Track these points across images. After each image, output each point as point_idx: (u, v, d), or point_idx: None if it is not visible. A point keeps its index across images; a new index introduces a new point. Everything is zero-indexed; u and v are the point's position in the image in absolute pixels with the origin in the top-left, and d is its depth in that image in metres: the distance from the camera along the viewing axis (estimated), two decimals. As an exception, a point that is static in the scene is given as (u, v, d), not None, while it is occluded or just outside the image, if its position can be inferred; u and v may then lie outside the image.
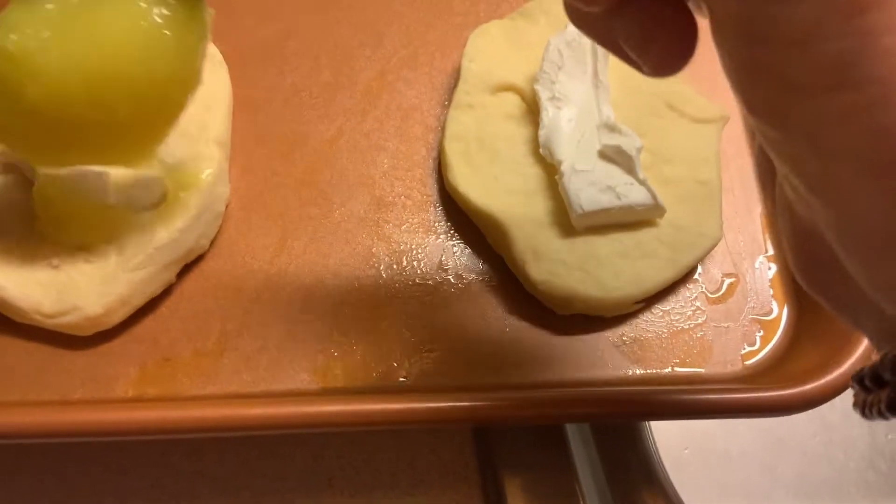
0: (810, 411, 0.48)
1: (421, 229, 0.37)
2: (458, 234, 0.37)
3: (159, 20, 0.29)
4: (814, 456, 0.50)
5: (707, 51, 0.42)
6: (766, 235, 0.38)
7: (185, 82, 0.31)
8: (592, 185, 0.35)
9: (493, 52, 0.40)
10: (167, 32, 0.29)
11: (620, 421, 0.36)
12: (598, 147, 0.36)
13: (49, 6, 0.29)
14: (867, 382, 0.19)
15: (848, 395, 0.48)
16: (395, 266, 0.37)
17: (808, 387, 0.31)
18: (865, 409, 0.19)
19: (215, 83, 0.38)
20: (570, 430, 0.35)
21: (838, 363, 0.32)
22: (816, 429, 0.51)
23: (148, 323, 0.35)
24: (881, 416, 0.19)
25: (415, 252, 0.37)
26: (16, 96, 0.29)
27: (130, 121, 0.32)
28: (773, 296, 0.37)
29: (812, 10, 0.14)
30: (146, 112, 0.32)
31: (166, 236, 0.33)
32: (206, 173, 0.35)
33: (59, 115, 0.30)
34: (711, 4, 0.16)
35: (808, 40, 0.15)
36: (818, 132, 0.16)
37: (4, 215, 0.34)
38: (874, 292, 0.17)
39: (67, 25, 0.28)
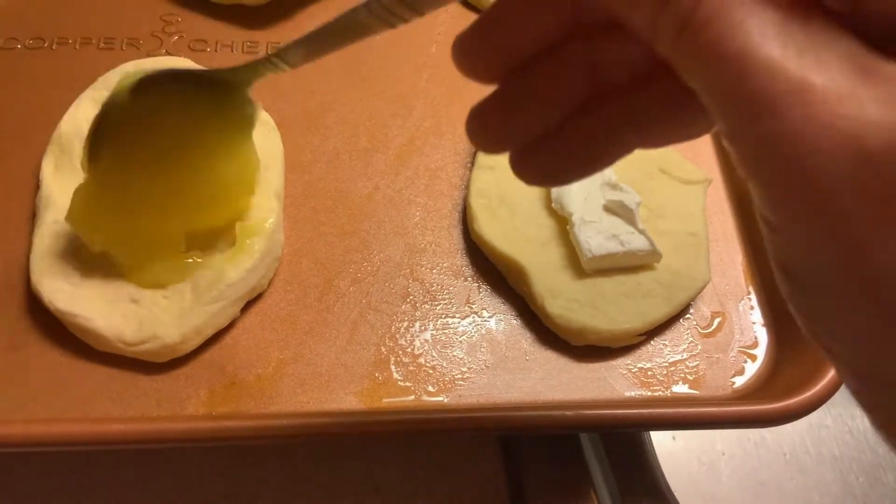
0: (788, 458, 0.53)
1: (450, 272, 0.43)
2: (483, 277, 0.43)
3: (221, 156, 0.36)
4: (791, 498, 0.55)
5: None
6: (748, 281, 0.44)
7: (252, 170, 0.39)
8: (599, 234, 0.41)
9: (509, 123, 0.46)
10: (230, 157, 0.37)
11: (629, 429, 0.40)
12: (602, 202, 0.42)
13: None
14: None
15: (821, 442, 0.53)
16: (428, 304, 0.42)
17: (790, 401, 0.37)
18: None
19: (271, 146, 0.44)
20: (587, 449, 0.40)
21: (814, 383, 0.38)
22: (793, 473, 0.56)
23: (215, 351, 0.39)
24: None
25: (445, 292, 0.42)
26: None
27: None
28: (755, 332, 0.42)
29: None
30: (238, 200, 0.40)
31: (236, 275, 0.38)
32: (269, 222, 0.40)
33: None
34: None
35: None
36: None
37: (92, 260, 0.39)
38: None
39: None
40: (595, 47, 0.22)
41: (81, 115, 0.44)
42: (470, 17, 0.53)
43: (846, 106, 0.15)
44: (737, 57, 0.16)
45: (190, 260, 0.39)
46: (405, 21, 0.22)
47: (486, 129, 0.23)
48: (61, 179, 0.41)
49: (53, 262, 0.39)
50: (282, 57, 0.28)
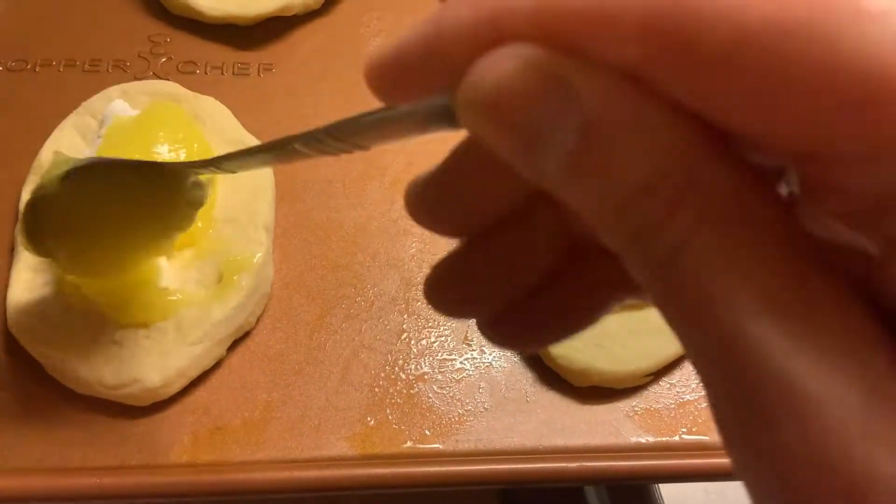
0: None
1: (447, 308, 0.41)
2: (482, 313, 0.41)
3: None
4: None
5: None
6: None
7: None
8: (604, 269, 0.39)
9: (509, 149, 0.44)
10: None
11: (636, 482, 0.38)
12: (607, 234, 0.40)
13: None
14: None
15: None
16: (424, 341, 0.40)
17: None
18: None
19: (260, 175, 0.42)
20: (590, 495, 0.38)
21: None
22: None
23: (200, 394, 0.37)
24: None
25: (442, 328, 0.40)
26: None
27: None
28: (767, 369, 0.40)
29: None
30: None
31: (222, 313, 0.37)
32: (257, 256, 0.38)
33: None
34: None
35: None
36: None
37: (72, 298, 0.37)
38: None
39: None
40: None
41: (64, 142, 0.42)
42: (469, 37, 0.51)
43: (853, 441, 0.11)
44: (724, 335, 0.12)
45: (174, 297, 0.37)
46: (345, 153, 0.19)
47: (445, 295, 0.20)
48: (41, 211, 0.40)
49: (32, 299, 0.37)
50: (217, 165, 0.26)
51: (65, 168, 0.30)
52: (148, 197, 0.31)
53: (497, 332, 0.20)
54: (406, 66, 0.15)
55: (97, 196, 0.31)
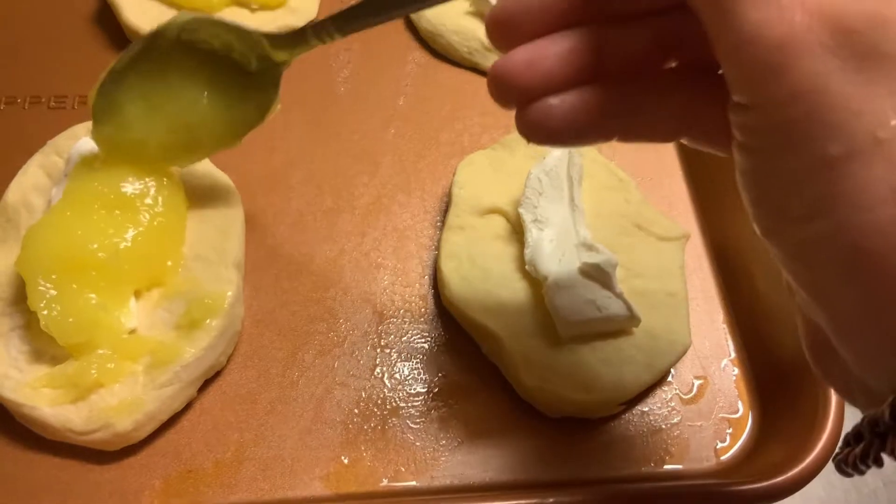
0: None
1: (420, 340, 0.41)
2: (455, 345, 0.41)
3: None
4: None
5: (667, 177, 0.49)
6: (729, 340, 0.43)
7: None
8: (575, 299, 0.39)
9: (479, 180, 0.45)
10: None
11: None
12: (577, 264, 0.40)
13: None
14: (850, 440, 0.23)
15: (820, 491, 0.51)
16: (397, 375, 0.40)
17: (778, 479, 0.35)
18: (844, 465, 0.23)
19: (230, 210, 0.42)
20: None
21: (801, 458, 0.36)
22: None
23: (171, 436, 0.37)
24: (856, 469, 0.22)
25: (415, 361, 0.40)
26: None
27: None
28: (738, 396, 0.41)
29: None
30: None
31: (192, 355, 0.36)
32: (228, 295, 0.38)
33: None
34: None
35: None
36: (804, 251, 0.21)
37: (39, 342, 0.37)
38: (860, 371, 0.22)
39: None
40: (605, 36, 0.25)
41: (29, 183, 0.41)
42: (438, 67, 0.51)
43: None
44: None
45: (142, 339, 0.37)
46: None
47: (507, 74, 0.25)
48: (6, 255, 0.39)
49: (-3, 343, 0.37)
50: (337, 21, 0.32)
51: (186, 18, 0.36)
52: (228, 85, 0.38)
53: (532, 116, 0.25)
54: None
55: (184, 66, 0.37)
